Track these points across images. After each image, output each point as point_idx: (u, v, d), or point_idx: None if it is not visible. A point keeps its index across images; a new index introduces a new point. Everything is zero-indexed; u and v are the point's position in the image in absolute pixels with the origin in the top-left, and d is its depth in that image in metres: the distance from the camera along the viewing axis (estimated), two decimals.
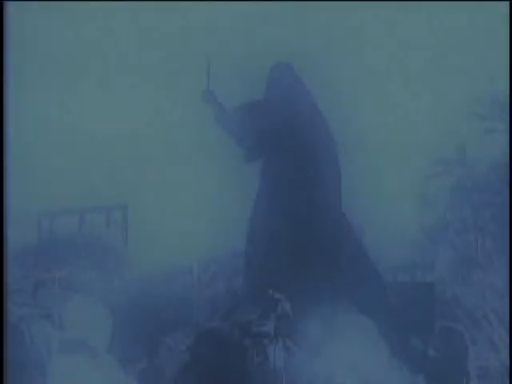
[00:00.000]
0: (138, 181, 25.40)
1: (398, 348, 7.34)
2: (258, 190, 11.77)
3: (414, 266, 22.56)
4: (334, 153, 11.86)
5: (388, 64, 26.36)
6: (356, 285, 11.14)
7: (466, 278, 20.15)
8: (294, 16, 24.73)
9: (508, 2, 13.70)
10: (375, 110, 24.60)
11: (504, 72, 16.73)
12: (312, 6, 24.31)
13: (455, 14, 25.06)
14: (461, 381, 7.36)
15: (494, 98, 21.79)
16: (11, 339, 2.88)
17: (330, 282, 10.95)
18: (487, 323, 17.36)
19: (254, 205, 11.98)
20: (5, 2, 6.82)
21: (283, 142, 11.90)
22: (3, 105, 6.19)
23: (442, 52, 26.30)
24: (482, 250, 20.56)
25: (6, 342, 2.93)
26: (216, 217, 23.55)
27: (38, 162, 28.95)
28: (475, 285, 19.80)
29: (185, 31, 28.00)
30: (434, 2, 23.79)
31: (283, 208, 11.61)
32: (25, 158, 28.11)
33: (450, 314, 17.29)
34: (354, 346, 7.70)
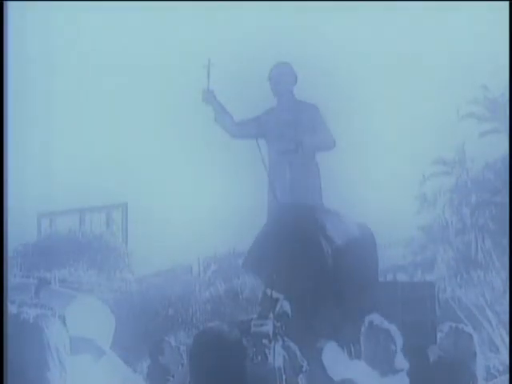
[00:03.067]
0: (137, 181, 25.42)
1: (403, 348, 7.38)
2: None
3: (414, 265, 22.56)
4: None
5: (388, 65, 26.36)
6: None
7: (465, 277, 20.15)
8: (294, 16, 24.72)
9: (508, 2, 13.71)
10: (375, 110, 24.60)
11: (504, 72, 16.71)
12: (312, 6, 24.31)
13: (455, 13, 25.05)
14: (467, 381, 7.39)
15: (494, 99, 21.77)
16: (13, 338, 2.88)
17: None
18: (487, 323, 17.37)
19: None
20: (5, 2, 6.83)
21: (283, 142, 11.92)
22: (3, 105, 6.18)
23: (442, 52, 26.29)
24: (482, 249, 20.54)
25: (7, 341, 2.93)
26: (216, 217, 23.56)
27: (38, 162, 28.96)
28: (475, 284, 19.79)
29: (185, 31, 27.99)
30: (435, 2, 23.78)
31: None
32: (25, 159, 28.11)
33: (449, 313, 17.29)
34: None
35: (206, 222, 23.61)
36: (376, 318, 7.20)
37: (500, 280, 19.29)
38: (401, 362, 7.08)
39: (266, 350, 6.10)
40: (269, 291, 6.61)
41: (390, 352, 6.96)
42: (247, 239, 21.41)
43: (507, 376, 8.23)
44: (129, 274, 21.41)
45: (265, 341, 6.11)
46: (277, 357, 6.15)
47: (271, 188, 11.71)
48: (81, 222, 25.52)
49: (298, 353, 6.82)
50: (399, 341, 7.11)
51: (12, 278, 17.81)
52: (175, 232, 23.97)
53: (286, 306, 6.90)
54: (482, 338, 16.65)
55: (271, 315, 6.41)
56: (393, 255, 22.92)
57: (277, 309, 6.57)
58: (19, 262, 20.82)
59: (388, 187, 23.10)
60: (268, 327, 6.19)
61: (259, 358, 6.03)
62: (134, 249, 22.83)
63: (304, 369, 6.76)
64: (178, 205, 25.43)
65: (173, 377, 8.72)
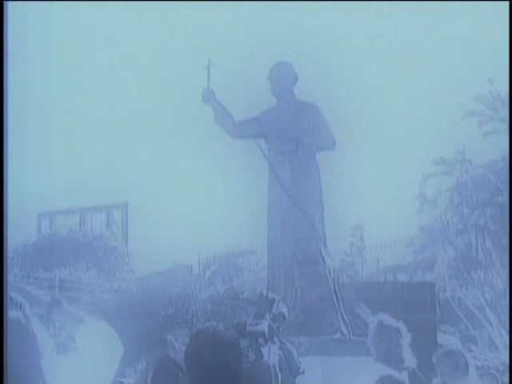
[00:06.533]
0: (137, 181, 25.43)
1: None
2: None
3: (414, 265, 22.58)
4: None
5: (388, 65, 26.35)
6: None
7: (466, 277, 20.16)
8: (294, 17, 24.72)
9: (508, 2, 13.70)
10: (375, 110, 24.59)
11: (504, 72, 16.73)
12: (312, 6, 24.30)
13: (455, 13, 25.04)
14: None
15: (494, 99, 21.78)
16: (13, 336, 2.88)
17: None
18: (487, 323, 17.35)
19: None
20: (5, 2, 6.82)
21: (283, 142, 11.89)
22: (4, 105, 6.15)
23: (442, 52, 26.27)
24: (483, 249, 20.55)
25: (6, 342, 2.92)
26: (216, 217, 23.57)
27: (39, 162, 28.94)
28: (475, 285, 19.80)
29: (185, 32, 27.98)
30: (435, 2, 23.78)
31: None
32: (25, 159, 28.09)
33: (450, 313, 17.29)
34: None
35: (205, 222, 23.62)
36: (385, 317, 7.19)
37: (500, 280, 19.29)
38: (410, 359, 7.10)
39: (262, 349, 6.07)
40: (265, 292, 6.58)
41: (401, 350, 6.98)
42: (247, 239, 21.46)
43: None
44: (129, 274, 21.40)
45: (260, 340, 6.09)
46: (272, 356, 6.12)
47: (271, 188, 11.72)
48: (81, 221, 25.50)
49: (295, 354, 6.79)
50: (408, 338, 7.14)
51: (12, 278, 17.80)
52: (175, 232, 23.97)
53: (283, 308, 6.87)
54: (483, 338, 16.65)
55: (267, 316, 6.38)
56: (393, 255, 22.93)
57: (273, 310, 6.53)
58: (19, 261, 20.81)
59: (388, 187, 23.10)
60: (263, 326, 6.17)
61: (253, 356, 6.01)
62: (134, 249, 22.83)
63: (301, 370, 6.73)
64: (178, 205, 25.43)
65: (174, 377, 8.70)
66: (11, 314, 3.27)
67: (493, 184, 20.42)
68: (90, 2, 26.81)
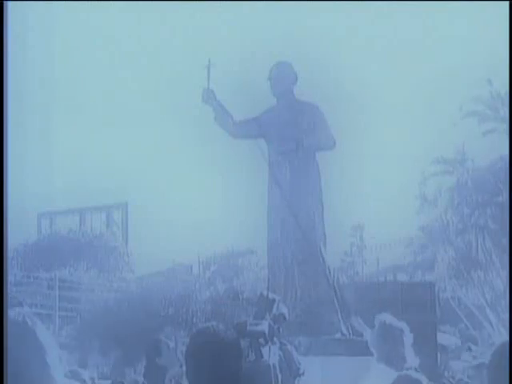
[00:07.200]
0: (137, 181, 25.43)
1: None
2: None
3: (414, 265, 22.59)
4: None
5: (388, 65, 26.35)
6: None
7: (466, 277, 20.17)
8: (294, 17, 24.70)
9: (508, 2, 13.72)
10: (375, 110, 24.59)
11: (504, 72, 16.74)
12: (313, 6, 24.29)
13: (455, 13, 25.03)
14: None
15: (494, 98, 21.78)
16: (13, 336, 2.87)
17: None
18: (487, 323, 17.36)
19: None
20: (5, 2, 6.81)
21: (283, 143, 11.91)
22: (3, 105, 6.14)
23: (442, 52, 26.27)
24: (483, 249, 20.55)
25: (6, 342, 2.91)
26: (216, 217, 23.58)
27: (38, 162, 28.92)
28: (475, 285, 19.81)
29: (185, 32, 27.96)
30: (435, 2, 23.79)
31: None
32: (25, 159, 28.06)
33: (450, 313, 17.29)
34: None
35: (205, 222, 23.63)
36: (387, 317, 7.19)
37: (500, 280, 19.29)
38: (412, 359, 7.09)
39: (262, 349, 6.07)
40: (265, 292, 6.58)
41: (403, 350, 6.97)
42: (247, 239, 21.46)
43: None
44: (129, 274, 21.38)
45: (260, 340, 6.09)
46: (272, 356, 6.12)
47: (271, 188, 11.72)
48: (81, 221, 25.49)
49: (295, 354, 6.78)
50: (410, 338, 7.13)
51: (12, 278, 17.78)
52: (175, 232, 23.98)
53: (283, 308, 6.87)
54: (483, 338, 16.65)
55: (268, 316, 6.38)
56: (393, 255, 22.94)
57: (273, 310, 6.54)
58: (19, 261, 20.80)
59: (388, 187, 23.11)
60: (263, 326, 6.17)
61: (253, 356, 6.01)
62: (134, 249, 22.82)
63: (301, 371, 6.72)
64: (178, 205, 25.45)
65: (170, 380, 8.71)
66: (12, 313, 3.28)
67: (493, 184, 20.41)
68: (89, 2, 26.81)
